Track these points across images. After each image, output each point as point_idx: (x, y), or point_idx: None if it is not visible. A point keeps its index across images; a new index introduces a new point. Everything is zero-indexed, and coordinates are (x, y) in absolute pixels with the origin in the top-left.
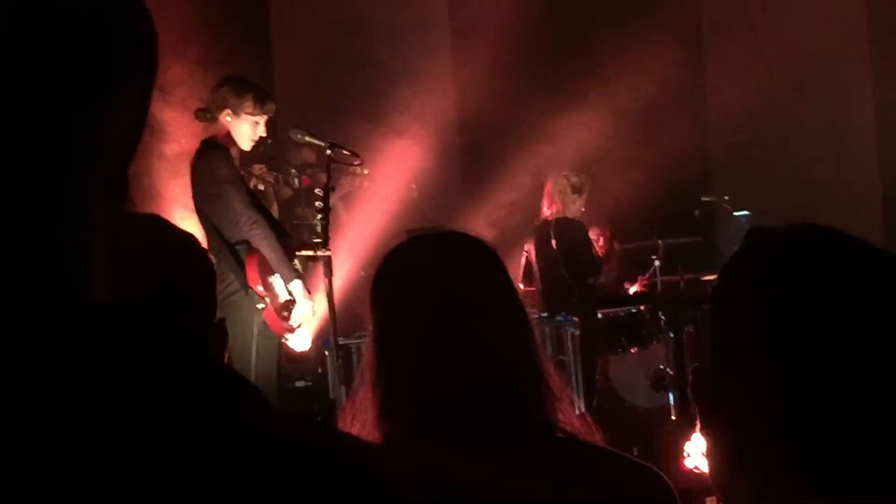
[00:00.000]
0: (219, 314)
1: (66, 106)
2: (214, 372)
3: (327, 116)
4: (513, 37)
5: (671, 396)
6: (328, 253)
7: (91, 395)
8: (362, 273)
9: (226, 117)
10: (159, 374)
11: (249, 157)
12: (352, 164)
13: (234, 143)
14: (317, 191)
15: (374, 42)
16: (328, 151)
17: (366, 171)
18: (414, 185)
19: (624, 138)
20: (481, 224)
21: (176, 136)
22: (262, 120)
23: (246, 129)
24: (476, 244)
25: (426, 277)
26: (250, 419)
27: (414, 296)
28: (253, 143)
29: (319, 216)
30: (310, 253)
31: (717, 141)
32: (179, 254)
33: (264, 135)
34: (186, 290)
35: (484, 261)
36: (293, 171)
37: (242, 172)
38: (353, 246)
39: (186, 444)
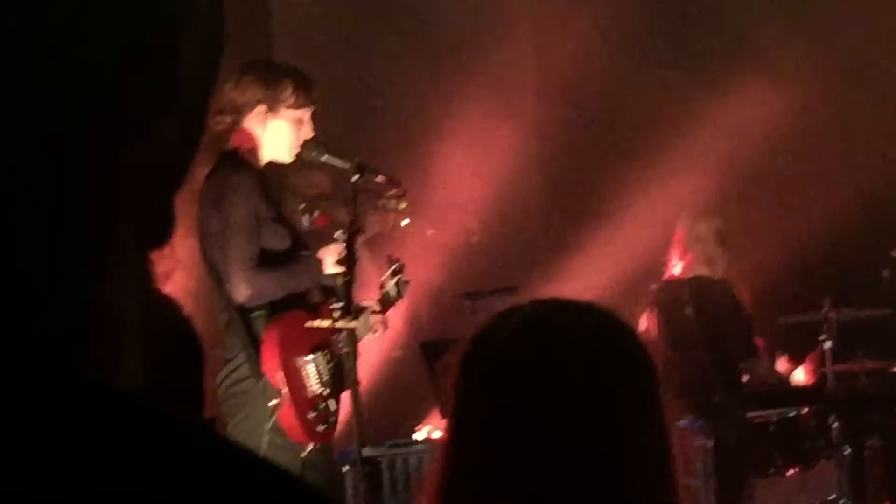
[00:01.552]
0: (225, 407)
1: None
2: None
3: (350, 133)
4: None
5: None
6: (353, 324)
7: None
8: (399, 353)
9: (255, 119)
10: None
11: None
12: (387, 196)
13: (260, 157)
14: (337, 234)
15: (425, 36)
16: (355, 177)
17: (404, 206)
18: (476, 226)
19: (775, 167)
20: (571, 286)
21: None
22: (307, 115)
23: (287, 132)
24: (614, 327)
25: (534, 373)
26: None
27: (511, 399)
28: (297, 151)
29: (341, 271)
30: (324, 324)
31: None
32: (157, 323)
33: (311, 136)
34: (165, 378)
35: (624, 354)
36: (301, 204)
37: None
38: (388, 313)
39: None
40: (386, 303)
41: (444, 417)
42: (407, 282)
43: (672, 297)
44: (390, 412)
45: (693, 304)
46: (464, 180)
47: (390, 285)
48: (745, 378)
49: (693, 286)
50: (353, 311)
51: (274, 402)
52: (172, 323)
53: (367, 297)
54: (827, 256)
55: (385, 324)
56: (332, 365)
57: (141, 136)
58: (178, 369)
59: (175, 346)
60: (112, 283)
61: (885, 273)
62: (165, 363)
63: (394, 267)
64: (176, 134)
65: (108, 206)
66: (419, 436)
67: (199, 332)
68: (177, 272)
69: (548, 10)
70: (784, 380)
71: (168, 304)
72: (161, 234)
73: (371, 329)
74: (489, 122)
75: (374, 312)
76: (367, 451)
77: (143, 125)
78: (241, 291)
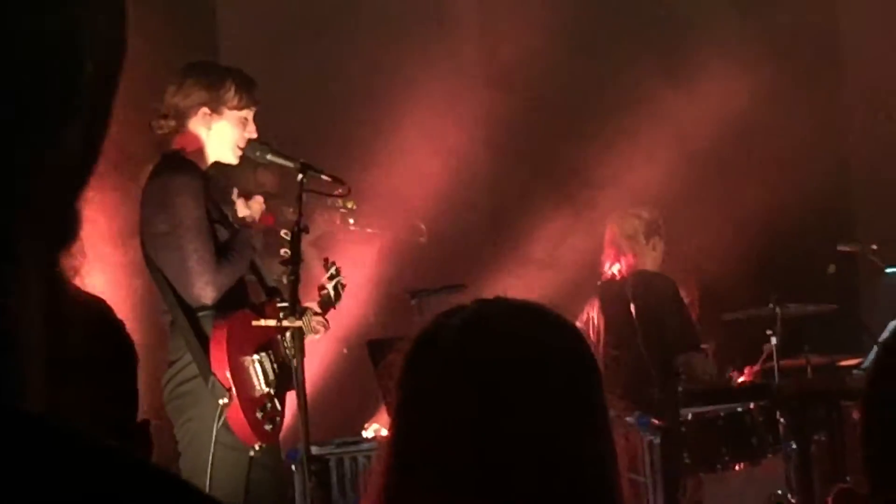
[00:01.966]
0: (171, 408)
1: None
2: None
3: (296, 131)
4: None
5: None
6: (298, 324)
7: None
8: (345, 352)
9: (199, 122)
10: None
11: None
12: (332, 195)
13: (206, 158)
14: (283, 233)
15: (364, 34)
16: (300, 176)
17: (351, 205)
18: (422, 225)
19: (722, 164)
20: (517, 284)
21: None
22: (250, 115)
23: (231, 133)
24: (557, 327)
25: (477, 372)
26: None
27: (454, 398)
28: (241, 151)
29: (286, 270)
30: (270, 323)
31: (860, 165)
32: (83, 325)
33: (255, 135)
34: (90, 380)
35: (566, 353)
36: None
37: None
38: (334, 312)
39: None
40: (326, 304)
41: (390, 416)
42: (344, 285)
43: (614, 295)
44: (338, 411)
45: (635, 300)
46: (410, 178)
47: (329, 287)
48: (681, 372)
49: (635, 282)
50: (298, 310)
51: (224, 400)
52: (101, 326)
53: (310, 297)
54: (773, 252)
55: (326, 325)
56: (276, 365)
57: (47, 141)
58: (107, 372)
59: (103, 349)
60: (7, 294)
61: (831, 268)
62: (92, 367)
63: (331, 270)
64: (79, 141)
65: (5, 215)
66: (367, 434)
67: (129, 334)
68: (123, 272)
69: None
70: (720, 374)
71: (96, 306)
72: (65, 237)
73: (313, 330)
74: (435, 118)
75: (314, 314)
76: (314, 450)
77: (49, 131)
78: (208, 293)
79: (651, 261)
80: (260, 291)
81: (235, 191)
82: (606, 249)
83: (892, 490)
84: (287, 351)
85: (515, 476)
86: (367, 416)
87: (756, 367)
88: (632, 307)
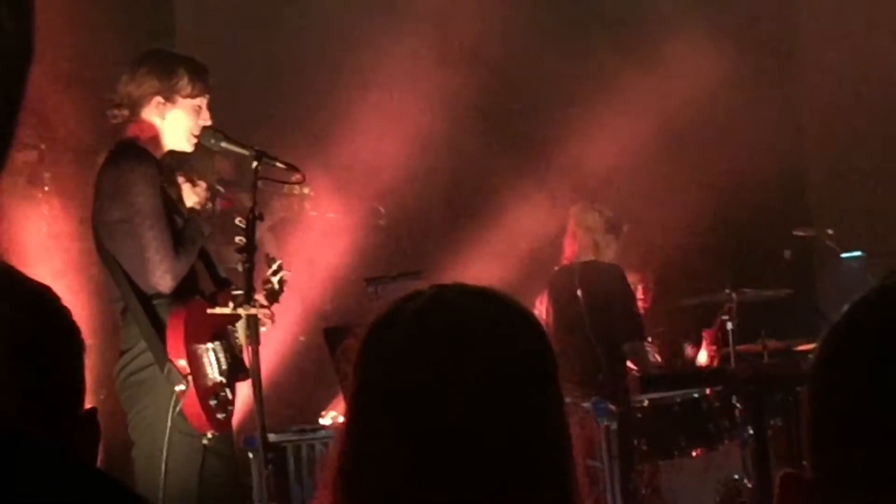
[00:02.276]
0: (125, 397)
1: None
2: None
3: (253, 118)
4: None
5: None
6: (253, 310)
7: None
8: (302, 339)
9: (153, 111)
10: None
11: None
12: (288, 182)
13: (161, 146)
14: (238, 221)
15: (320, 16)
16: (254, 163)
17: (307, 191)
18: (381, 209)
19: (679, 150)
20: (475, 270)
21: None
22: (204, 102)
23: (185, 121)
24: (514, 312)
25: (434, 357)
26: None
27: (410, 383)
28: (196, 140)
29: (241, 257)
30: (226, 310)
31: (817, 150)
32: (28, 313)
33: (209, 123)
34: (33, 368)
35: (522, 339)
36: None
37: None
38: (290, 300)
39: None
40: (271, 298)
41: (346, 401)
42: (285, 281)
43: (564, 282)
44: (295, 398)
45: (583, 288)
46: (368, 164)
47: (274, 281)
48: (629, 361)
49: (583, 271)
50: (253, 298)
51: (180, 387)
52: (45, 313)
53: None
54: (729, 237)
55: (272, 318)
56: (229, 354)
57: None
58: (51, 361)
59: (47, 337)
60: None
61: (787, 253)
62: (36, 355)
63: (274, 265)
64: None
65: None
66: (324, 421)
67: (75, 321)
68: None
69: None
70: (683, 361)
71: (40, 293)
72: None
73: (259, 322)
74: (392, 105)
75: (261, 307)
76: (272, 437)
77: None
78: (167, 281)
79: (604, 256)
80: (209, 280)
81: (180, 176)
82: (566, 238)
83: (833, 471)
84: (237, 341)
85: (470, 459)
86: (324, 403)
87: (713, 331)
88: (579, 293)
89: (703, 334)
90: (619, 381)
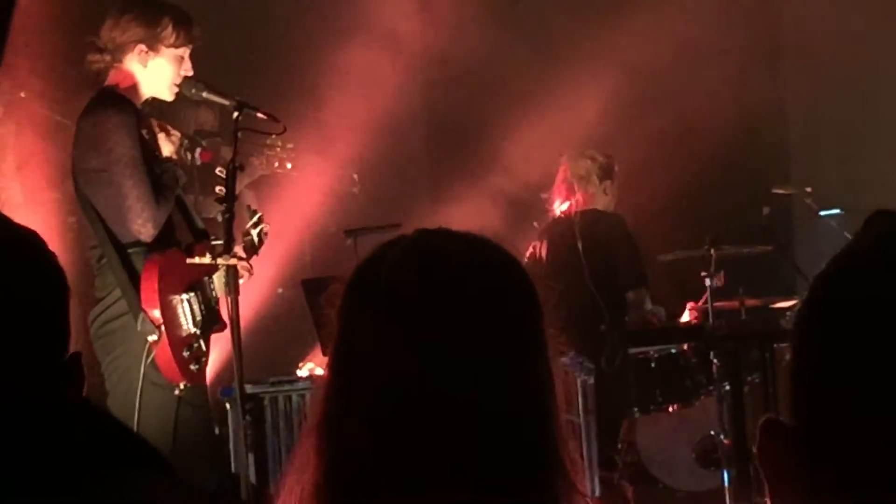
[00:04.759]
0: (98, 346)
1: None
2: (63, 429)
3: (233, 70)
4: None
5: (726, 476)
6: (232, 261)
7: None
8: (280, 291)
9: (135, 58)
10: None
11: None
12: (269, 134)
13: (141, 94)
14: (218, 171)
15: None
16: (235, 114)
17: (289, 145)
18: (356, 176)
19: (656, 105)
20: (454, 222)
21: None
22: (187, 52)
23: (167, 70)
24: (500, 255)
25: (420, 298)
26: None
27: (396, 326)
28: (178, 89)
29: (221, 208)
30: (205, 261)
31: (796, 108)
32: (13, 256)
33: (191, 73)
34: (21, 311)
35: (509, 282)
36: (185, 141)
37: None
38: (269, 252)
39: None
40: (250, 250)
41: (325, 354)
42: (266, 233)
43: (562, 231)
44: (273, 350)
45: (582, 237)
46: (346, 126)
47: (254, 233)
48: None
49: (583, 219)
50: (232, 248)
51: (152, 337)
52: (31, 257)
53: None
54: (708, 194)
55: (250, 270)
56: (203, 306)
57: None
58: (37, 304)
59: (33, 280)
60: None
61: (766, 210)
62: (21, 298)
63: (256, 217)
64: None
65: None
66: (301, 373)
67: (61, 265)
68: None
69: None
70: (660, 318)
71: (26, 237)
72: None
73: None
74: (372, 64)
75: (239, 259)
76: (249, 389)
77: None
78: (148, 230)
79: (602, 203)
80: (187, 231)
81: (154, 122)
82: (557, 187)
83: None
84: (213, 292)
85: (453, 406)
86: (301, 355)
87: (700, 303)
88: (579, 244)
89: (687, 307)
90: (619, 331)
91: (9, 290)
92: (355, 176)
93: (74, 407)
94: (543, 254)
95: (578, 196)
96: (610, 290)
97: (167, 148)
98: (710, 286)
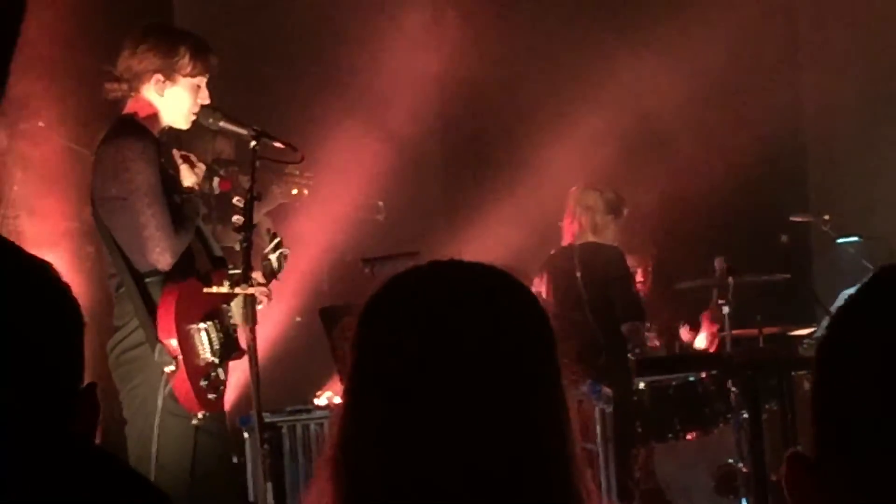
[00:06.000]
0: (117, 375)
1: None
2: (72, 464)
3: (252, 100)
4: None
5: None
6: (249, 290)
7: None
8: (298, 319)
9: (151, 87)
10: None
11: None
12: (287, 163)
13: (159, 123)
14: (235, 200)
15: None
16: (253, 143)
17: (308, 174)
18: (381, 203)
19: (675, 136)
20: (470, 252)
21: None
22: (203, 82)
23: (185, 99)
24: (514, 288)
25: (433, 331)
26: None
27: (409, 357)
28: (194, 118)
29: (239, 237)
30: (223, 290)
31: (815, 137)
32: (27, 289)
33: (208, 102)
34: (36, 344)
35: (524, 314)
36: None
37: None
38: (287, 281)
39: None
40: (269, 275)
41: (343, 382)
42: (286, 256)
43: (562, 263)
44: (291, 378)
45: (581, 269)
46: (365, 153)
47: (273, 258)
48: (630, 340)
49: (582, 251)
50: (250, 277)
51: (170, 368)
52: (46, 289)
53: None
54: (726, 221)
55: (269, 295)
56: (222, 334)
57: None
58: (52, 336)
59: (48, 313)
60: None
61: (784, 238)
62: (36, 330)
63: (275, 241)
64: None
65: None
66: (320, 402)
67: (75, 297)
68: (75, 238)
69: None
70: (679, 346)
71: (41, 269)
72: None
73: (256, 301)
74: (388, 92)
75: (259, 284)
76: (267, 417)
77: None
78: (166, 259)
79: (603, 237)
80: (206, 260)
81: (177, 154)
82: (565, 220)
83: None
84: (231, 320)
85: (470, 438)
86: (319, 384)
87: (710, 311)
88: (578, 274)
89: (702, 317)
90: (620, 362)
91: (18, 324)
92: (380, 203)
93: (75, 442)
94: (546, 286)
95: (583, 228)
96: (608, 321)
97: (190, 179)
98: (726, 315)
